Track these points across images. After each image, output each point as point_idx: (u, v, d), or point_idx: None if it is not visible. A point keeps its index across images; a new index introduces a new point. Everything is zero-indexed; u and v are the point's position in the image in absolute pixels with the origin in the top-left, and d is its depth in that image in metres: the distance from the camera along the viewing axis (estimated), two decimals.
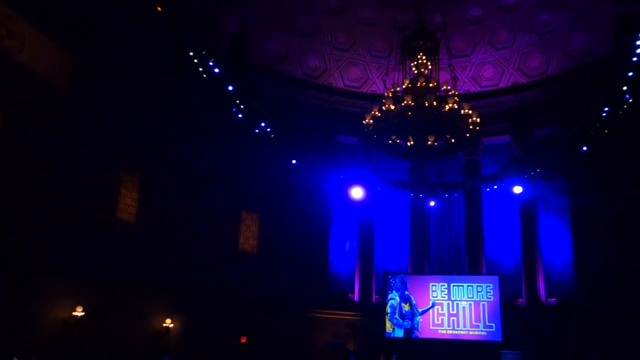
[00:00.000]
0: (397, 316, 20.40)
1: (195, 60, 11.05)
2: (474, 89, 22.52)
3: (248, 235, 22.12)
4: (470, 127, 11.68)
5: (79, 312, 15.10)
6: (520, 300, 21.05)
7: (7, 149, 13.96)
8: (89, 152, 16.16)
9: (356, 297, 22.22)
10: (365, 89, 23.31)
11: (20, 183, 14.04)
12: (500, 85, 22.52)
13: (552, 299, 20.76)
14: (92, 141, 16.21)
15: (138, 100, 17.55)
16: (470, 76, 22.64)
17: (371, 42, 22.53)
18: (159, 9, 10.11)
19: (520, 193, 17.74)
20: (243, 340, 19.87)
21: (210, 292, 19.15)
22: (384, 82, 15.27)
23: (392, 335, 20.32)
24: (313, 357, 3.25)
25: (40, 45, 15.09)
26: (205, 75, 11.44)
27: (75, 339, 14.80)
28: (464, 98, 16.82)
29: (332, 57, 22.92)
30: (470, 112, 11.75)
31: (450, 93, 12.23)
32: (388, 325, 20.42)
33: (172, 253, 18.33)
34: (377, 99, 14.36)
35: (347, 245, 23.60)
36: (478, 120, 11.94)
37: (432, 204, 18.75)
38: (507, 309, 19.96)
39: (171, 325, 18.03)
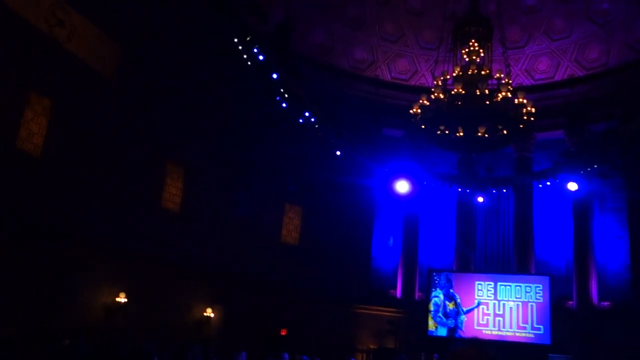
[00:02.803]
0: (440, 314, 19.86)
1: (240, 47, 10.85)
2: (527, 82, 21.64)
3: (291, 228, 21.99)
4: (525, 117, 11.10)
5: (122, 299, 15.26)
6: (571, 302, 20.17)
7: (58, 135, 14.20)
8: (136, 141, 16.33)
9: (398, 293, 21.78)
10: (413, 82, 22.75)
11: (70, 167, 14.26)
12: (556, 78, 21.58)
13: (605, 303, 19.80)
14: (138, 131, 16.37)
15: (185, 91, 17.63)
16: (523, 69, 21.78)
17: (420, 33, 21.96)
18: None
19: (574, 190, 16.89)
20: (283, 332, 19.76)
21: (251, 283, 19.14)
22: (433, 73, 14.77)
23: (434, 334, 19.81)
24: (453, 355, 2.88)
25: (88, 34, 15.26)
26: (249, 63, 11.24)
27: (116, 325, 14.96)
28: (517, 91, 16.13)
29: (379, 49, 22.45)
30: (524, 101, 11.16)
31: (503, 82, 11.64)
32: (431, 323, 19.91)
33: (215, 243, 18.39)
34: (426, 91, 13.86)
35: (391, 241, 23.16)
36: (533, 110, 11.32)
37: (480, 199, 18.06)
38: (556, 311, 19.15)
39: (212, 315, 18.06)
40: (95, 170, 14.94)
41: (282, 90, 12.34)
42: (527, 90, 20.28)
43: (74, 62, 14.57)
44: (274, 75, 11.78)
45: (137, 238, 15.82)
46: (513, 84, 19.19)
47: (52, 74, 14.05)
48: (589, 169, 15.73)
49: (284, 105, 12.74)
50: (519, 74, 21.48)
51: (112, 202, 15.27)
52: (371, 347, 20.25)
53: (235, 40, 10.64)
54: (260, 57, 11.09)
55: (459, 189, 17.86)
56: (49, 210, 13.47)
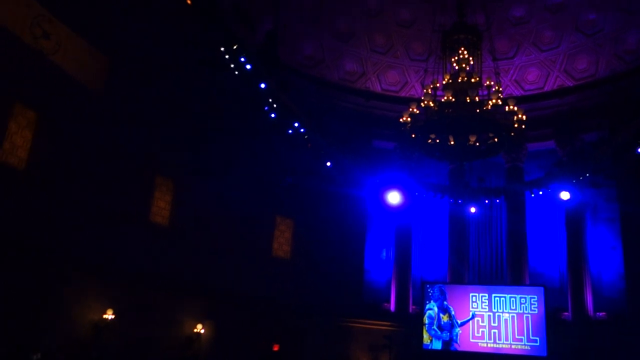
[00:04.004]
0: (435, 327, 19.58)
1: (227, 56, 10.71)
2: (517, 92, 21.60)
3: (282, 241, 21.71)
4: (516, 125, 10.98)
5: (109, 315, 14.92)
6: (566, 314, 19.95)
7: (43, 148, 13.95)
8: (123, 155, 16.09)
9: (392, 306, 21.49)
10: (403, 94, 22.68)
11: (55, 181, 14.01)
12: (545, 89, 21.57)
13: (601, 313, 19.58)
14: (126, 144, 16.13)
15: (173, 103, 17.45)
16: (513, 79, 21.79)
17: (410, 44, 21.95)
18: (189, 1, 9.83)
19: (567, 201, 16.80)
20: (275, 348, 19.38)
21: (242, 298, 18.82)
22: (423, 84, 14.69)
23: (429, 348, 19.49)
24: None
25: (74, 46, 15.08)
26: (236, 72, 11.09)
27: (104, 342, 14.60)
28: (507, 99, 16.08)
29: (369, 61, 22.41)
30: (515, 109, 11.06)
31: (493, 90, 11.55)
32: (426, 336, 19.61)
33: (204, 257, 18.09)
34: (416, 102, 13.74)
35: (384, 253, 22.94)
36: (524, 117, 11.22)
37: (472, 210, 17.92)
38: (552, 322, 18.89)
39: (202, 331, 17.71)
40: (81, 184, 14.67)
41: (270, 100, 12.18)
42: (517, 101, 20.30)
43: (60, 73, 14.38)
44: (262, 85, 11.63)
45: (125, 253, 15.52)
46: (503, 95, 19.25)
47: (38, 86, 13.85)
48: (581, 178, 15.67)
49: (272, 115, 12.58)
50: (508, 84, 21.49)
51: (99, 217, 14.98)
52: None
53: (222, 49, 10.49)
54: (248, 67, 10.95)
55: (451, 200, 17.73)
56: (33, 225, 13.19)
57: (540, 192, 16.50)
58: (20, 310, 12.76)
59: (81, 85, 15.05)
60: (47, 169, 13.86)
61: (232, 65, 10.99)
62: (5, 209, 12.52)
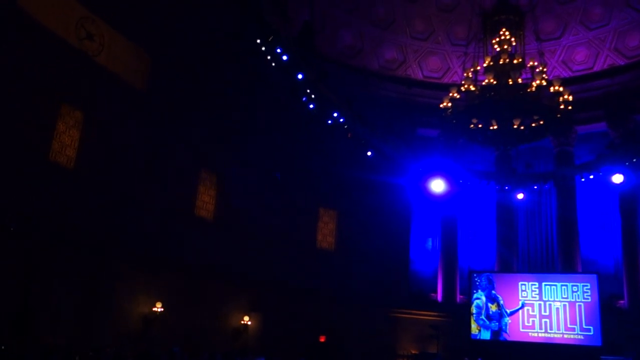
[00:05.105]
0: (483, 317, 19.21)
1: (263, 48, 10.71)
2: (565, 74, 20.84)
3: (326, 233, 21.72)
4: (562, 106, 10.55)
5: (158, 308, 15.26)
6: (622, 301, 19.25)
7: (90, 147, 14.33)
8: (168, 150, 16.38)
9: (439, 296, 21.22)
10: (446, 80, 22.23)
11: (103, 179, 14.37)
12: (595, 69, 20.75)
13: None
14: (170, 140, 16.41)
15: (215, 97, 17.64)
16: (560, 60, 21.02)
17: (451, 29, 21.50)
18: None
19: (620, 185, 16.08)
20: (322, 339, 19.45)
21: (287, 289, 18.95)
22: (464, 68, 14.32)
23: (478, 337, 19.16)
24: None
25: (118, 46, 15.39)
26: (273, 64, 11.08)
27: (154, 335, 14.95)
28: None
29: (409, 48, 22.08)
30: (561, 89, 10.63)
31: (537, 70, 11.13)
32: (474, 326, 19.28)
33: (249, 250, 18.27)
34: (457, 87, 13.40)
35: (429, 243, 22.66)
36: (570, 98, 10.77)
37: (520, 196, 17.39)
38: (606, 310, 18.26)
39: (249, 323, 17.92)
40: (128, 180, 15.02)
41: (308, 90, 12.12)
42: (565, 83, 19.65)
43: (104, 74, 14.71)
44: (299, 76, 11.58)
45: (172, 247, 15.83)
46: (550, 77, 18.60)
47: (83, 86, 14.20)
48: (634, 160, 14.96)
49: (311, 106, 12.52)
50: (555, 66, 20.76)
51: (146, 212, 15.31)
52: (413, 352, 19.75)
53: (258, 41, 10.49)
54: (284, 57, 10.92)
55: (498, 187, 17.26)
56: (84, 221, 13.58)
57: (592, 176, 15.83)
58: (76, 304, 13.19)
59: (125, 83, 15.37)
60: (95, 167, 14.22)
61: (268, 57, 10.97)
62: (56, 207, 12.93)
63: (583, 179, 16.15)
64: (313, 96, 12.39)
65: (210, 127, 17.61)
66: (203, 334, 16.38)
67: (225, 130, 18.06)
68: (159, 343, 14.80)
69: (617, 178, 15.37)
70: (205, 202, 18.12)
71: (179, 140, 16.68)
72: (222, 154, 18.22)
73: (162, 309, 15.28)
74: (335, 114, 13.31)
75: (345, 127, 13.86)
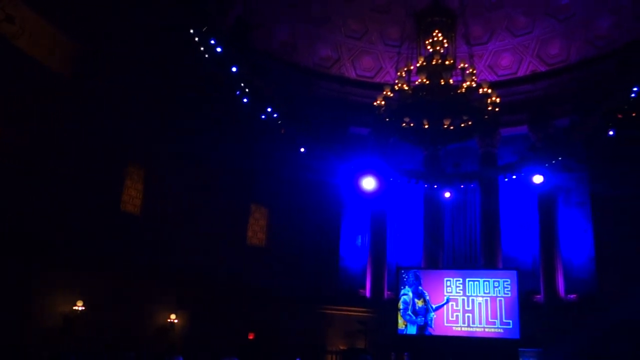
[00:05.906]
0: (410, 312, 19.68)
1: (197, 39, 10.44)
2: (491, 78, 21.58)
3: (257, 229, 21.53)
4: (489, 107, 10.96)
5: (79, 307, 14.59)
6: (539, 296, 20.25)
7: (7, 134, 13.50)
8: (93, 142, 15.66)
9: (367, 293, 21.56)
10: (378, 79, 22.53)
11: (22, 170, 13.58)
12: (519, 74, 21.66)
13: (572, 295, 19.95)
14: (96, 131, 15.71)
15: (144, 89, 17.04)
16: (487, 65, 21.82)
17: (384, 30, 21.80)
18: None
19: (539, 185, 16.96)
20: (251, 336, 19.28)
21: (217, 286, 18.62)
22: (397, 68, 14.58)
23: (404, 332, 19.62)
24: None
25: (40, 31, 14.58)
26: (207, 55, 10.83)
27: (76, 335, 14.29)
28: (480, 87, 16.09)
29: (344, 46, 22.22)
30: (489, 91, 11.04)
31: (467, 72, 11.50)
32: (400, 321, 19.71)
33: (177, 246, 17.81)
34: (390, 86, 13.61)
35: (359, 240, 22.95)
36: (497, 100, 11.21)
37: (447, 195, 17.95)
38: (524, 305, 19.15)
39: (176, 321, 17.48)
40: (48, 170, 14.26)
41: (242, 84, 11.94)
42: (491, 87, 20.39)
43: (24, 58, 13.89)
44: (233, 69, 11.38)
45: (94, 243, 15.15)
46: (478, 80, 19.25)
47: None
48: (553, 162, 15.82)
49: (245, 100, 12.34)
50: (482, 70, 21.51)
51: (67, 206, 14.59)
52: (341, 347, 19.96)
53: (192, 31, 10.22)
54: (218, 49, 10.69)
55: (426, 185, 17.75)
56: None
57: (514, 177, 16.63)
58: None
59: (47, 69, 14.57)
60: (11, 156, 13.39)
61: (202, 49, 10.71)
62: None
63: (506, 179, 16.91)
64: (247, 90, 12.22)
65: (139, 121, 16.98)
66: (127, 332, 15.81)
67: (154, 123, 17.48)
68: (82, 342, 14.18)
69: (538, 179, 16.19)
70: (132, 196, 17.48)
71: (106, 131, 15.98)
72: (151, 147, 17.64)
73: (84, 308, 14.63)
74: (269, 109, 13.19)
75: (279, 122, 13.77)
